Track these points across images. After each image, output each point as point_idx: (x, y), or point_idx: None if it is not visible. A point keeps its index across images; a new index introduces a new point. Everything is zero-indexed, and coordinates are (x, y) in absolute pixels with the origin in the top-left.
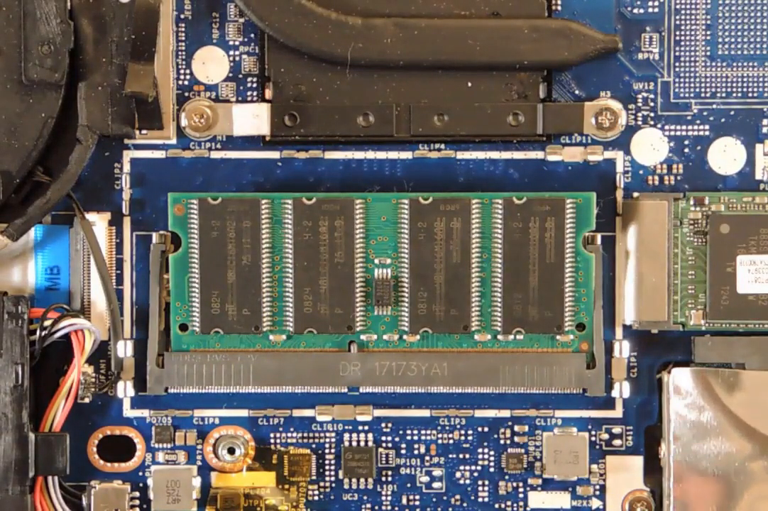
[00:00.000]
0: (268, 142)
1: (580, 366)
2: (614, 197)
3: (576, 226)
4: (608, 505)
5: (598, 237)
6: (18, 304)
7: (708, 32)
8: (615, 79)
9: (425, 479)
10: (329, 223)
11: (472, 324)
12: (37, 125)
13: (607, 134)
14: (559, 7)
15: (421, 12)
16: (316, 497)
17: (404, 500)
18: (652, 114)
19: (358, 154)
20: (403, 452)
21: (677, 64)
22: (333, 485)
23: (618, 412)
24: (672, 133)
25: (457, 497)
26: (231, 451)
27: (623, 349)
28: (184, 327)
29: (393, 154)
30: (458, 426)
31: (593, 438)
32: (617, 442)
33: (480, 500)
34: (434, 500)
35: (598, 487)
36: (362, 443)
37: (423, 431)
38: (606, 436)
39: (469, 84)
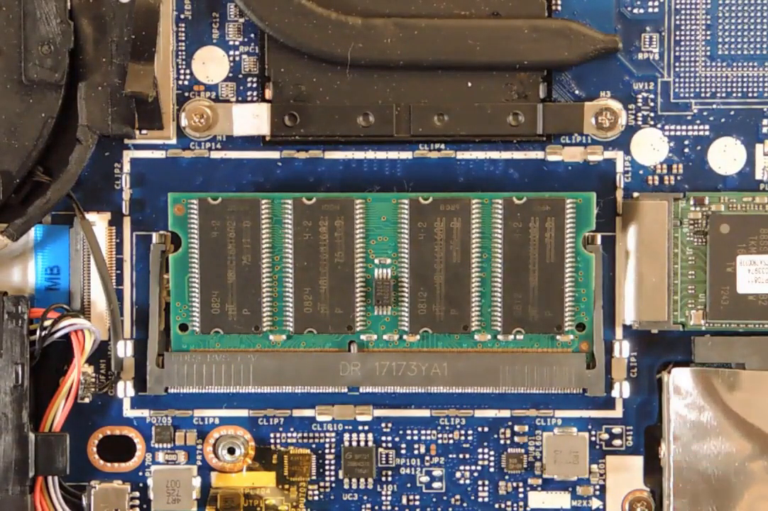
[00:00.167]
0: (268, 142)
1: (580, 366)
2: (614, 197)
3: (576, 226)
4: (608, 505)
5: (598, 237)
6: (18, 304)
7: (708, 32)
8: (615, 79)
9: (425, 479)
10: (329, 223)
11: (472, 324)
12: (37, 125)
13: (607, 134)
14: (559, 7)
15: (421, 12)
16: (316, 497)
17: (404, 500)
18: (652, 114)
19: (358, 154)
20: (403, 452)
21: (677, 64)
22: (333, 485)
23: (618, 412)
24: (672, 133)
25: (457, 497)
26: (231, 451)
27: (623, 349)
28: (184, 327)
29: (393, 154)
30: (458, 426)
31: (593, 438)
32: (617, 442)
33: (480, 500)
34: (434, 500)
35: (598, 487)
36: (362, 443)
37: (423, 431)
38: (606, 436)
39: (469, 84)
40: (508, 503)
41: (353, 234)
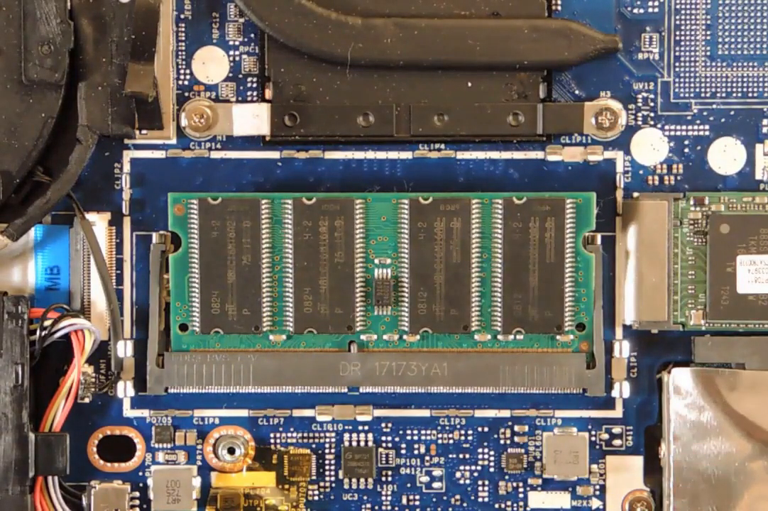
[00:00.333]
0: (268, 142)
1: (580, 366)
2: (614, 197)
3: (576, 226)
4: (608, 505)
5: (598, 237)
6: (18, 304)
7: (708, 32)
8: (615, 79)
9: (425, 479)
10: (329, 223)
11: (472, 324)
12: (37, 125)
13: (607, 134)
14: (559, 7)
15: (421, 12)
16: (316, 497)
17: (404, 500)
18: (652, 114)
19: (358, 154)
20: (403, 452)
21: (677, 64)
22: (333, 485)
23: (618, 412)
24: (672, 133)
25: (457, 497)
26: (231, 451)
27: (623, 349)
28: (184, 327)
29: (393, 154)
30: (458, 426)
31: (593, 438)
32: (617, 442)
33: (480, 500)
34: (434, 500)
35: (598, 487)
36: (362, 443)
37: (423, 431)
38: (606, 436)
39: (469, 84)
40: (508, 503)
41: (353, 234)
